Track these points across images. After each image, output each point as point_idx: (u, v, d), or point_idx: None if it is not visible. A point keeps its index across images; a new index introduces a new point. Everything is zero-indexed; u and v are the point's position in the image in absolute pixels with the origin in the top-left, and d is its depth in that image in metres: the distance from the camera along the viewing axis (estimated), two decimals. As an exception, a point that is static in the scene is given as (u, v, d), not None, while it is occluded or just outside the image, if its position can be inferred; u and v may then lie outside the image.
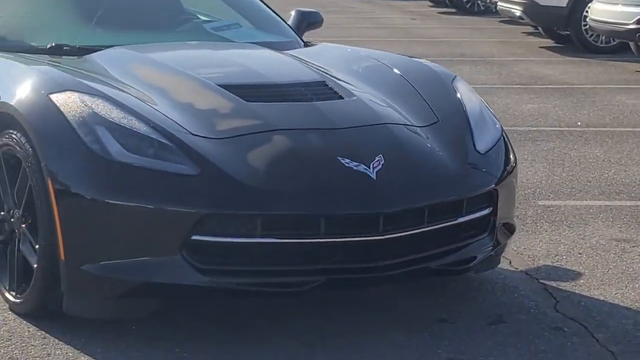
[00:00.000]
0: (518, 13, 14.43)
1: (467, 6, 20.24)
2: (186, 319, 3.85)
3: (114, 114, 3.69)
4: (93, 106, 3.72)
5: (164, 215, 3.51)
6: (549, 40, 14.90)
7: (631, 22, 11.52)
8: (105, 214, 3.54)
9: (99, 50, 4.58)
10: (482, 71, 11.76)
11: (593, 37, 13.55)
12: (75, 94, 3.78)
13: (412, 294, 4.11)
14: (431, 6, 22.60)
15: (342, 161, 3.66)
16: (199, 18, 5.58)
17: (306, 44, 5.33)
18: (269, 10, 5.65)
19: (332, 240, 3.64)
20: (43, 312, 3.78)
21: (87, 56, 4.54)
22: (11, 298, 3.87)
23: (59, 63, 4.45)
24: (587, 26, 13.07)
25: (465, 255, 3.89)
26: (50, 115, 3.72)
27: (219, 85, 4.11)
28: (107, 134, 3.61)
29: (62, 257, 3.56)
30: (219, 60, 4.85)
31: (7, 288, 3.91)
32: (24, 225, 3.81)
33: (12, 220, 3.91)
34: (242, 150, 3.71)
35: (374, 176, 3.64)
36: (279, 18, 5.56)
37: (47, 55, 4.57)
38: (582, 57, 13.15)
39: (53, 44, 4.67)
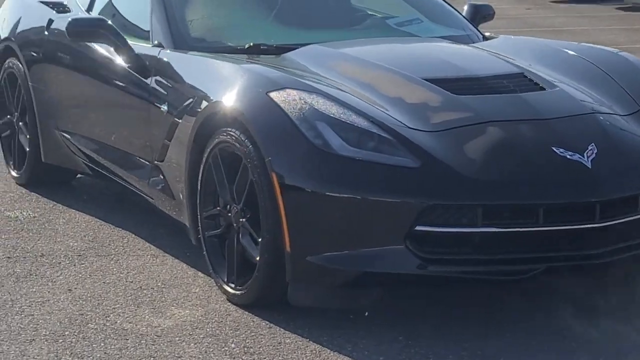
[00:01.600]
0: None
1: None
2: (406, 308, 3.89)
3: (333, 110, 3.76)
4: (312, 102, 3.79)
5: (387, 206, 3.57)
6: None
7: None
8: (329, 207, 3.61)
9: (294, 48, 4.63)
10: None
11: None
12: (294, 92, 3.86)
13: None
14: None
15: (557, 151, 3.69)
16: (376, 14, 5.60)
17: (485, 37, 5.30)
18: (444, 3, 5.65)
19: (551, 229, 3.65)
20: (264, 302, 3.87)
21: (285, 55, 4.60)
22: (231, 290, 3.97)
23: (260, 61, 4.53)
24: None
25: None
26: (272, 112, 3.80)
27: (424, 79, 4.14)
28: (328, 129, 3.68)
29: (288, 248, 3.63)
30: (416, 54, 4.88)
31: (226, 280, 4.01)
32: (244, 219, 3.89)
33: (230, 214, 3.98)
34: (459, 142, 3.76)
35: (589, 165, 3.67)
36: (455, 11, 5.54)
37: (244, 55, 4.64)
38: None
39: (251, 44, 4.75)
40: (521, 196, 3.65)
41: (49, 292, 4.23)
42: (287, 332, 3.68)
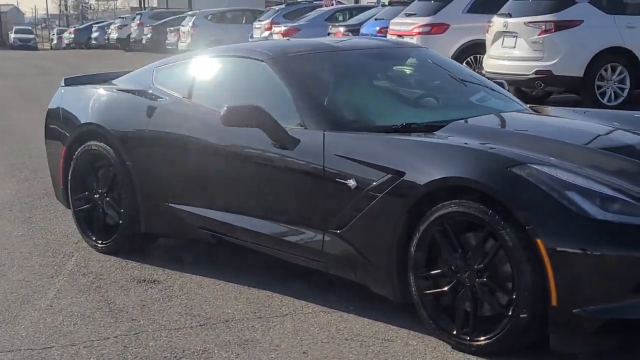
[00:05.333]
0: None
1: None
2: None
3: (578, 180, 4.07)
4: (556, 174, 4.08)
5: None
6: None
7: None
8: (591, 265, 3.87)
9: (438, 126, 4.91)
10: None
11: None
12: (534, 166, 4.12)
13: None
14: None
15: None
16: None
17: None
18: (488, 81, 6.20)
19: None
20: (510, 351, 4.10)
21: (437, 132, 4.83)
22: (470, 342, 4.18)
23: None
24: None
25: None
26: (519, 185, 4.04)
27: (601, 149, 4.59)
28: (579, 197, 3.96)
29: (554, 303, 3.89)
30: (561, 126, 5.25)
31: (456, 333, 4.23)
32: (481, 279, 4.15)
33: (459, 275, 4.22)
34: None
35: None
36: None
37: (396, 133, 4.87)
38: None
39: (404, 123, 5.00)
40: None
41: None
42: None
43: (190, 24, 33.19)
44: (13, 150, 11.27)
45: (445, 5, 16.85)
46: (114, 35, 47.95)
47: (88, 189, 6.22)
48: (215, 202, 5.47)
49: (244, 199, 5.32)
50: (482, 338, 4.16)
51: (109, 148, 5.95)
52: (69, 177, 6.29)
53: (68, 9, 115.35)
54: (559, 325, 3.96)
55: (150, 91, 6.08)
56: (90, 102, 6.36)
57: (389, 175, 4.49)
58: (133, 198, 5.85)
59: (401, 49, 6.14)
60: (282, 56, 5.55)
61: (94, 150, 6.09)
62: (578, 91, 13.55)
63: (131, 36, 43.54)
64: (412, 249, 4.38)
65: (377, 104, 5.51)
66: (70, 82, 6.78)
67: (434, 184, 4.29)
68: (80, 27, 63.55)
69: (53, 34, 71.38)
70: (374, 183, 4.54)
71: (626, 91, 13.45)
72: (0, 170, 9.74)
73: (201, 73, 5.94)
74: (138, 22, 43.11)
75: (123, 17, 52.56)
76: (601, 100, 13.23)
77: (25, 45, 63.74)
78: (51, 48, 64.15)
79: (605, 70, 13.44)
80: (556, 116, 5.51)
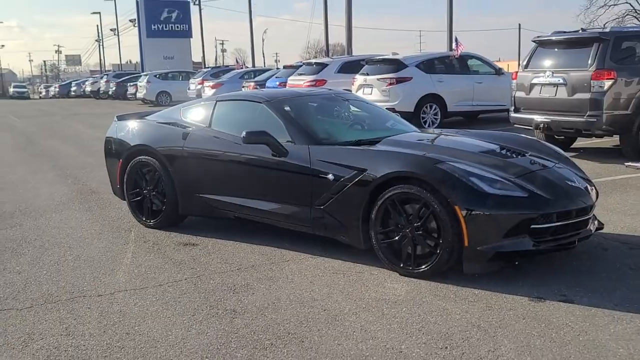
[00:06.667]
0: None
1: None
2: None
3: (475, 170, 4.29)
4: (463, 167, 4.29)
5: (517, 217, 4.10)
6: None
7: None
8: (489, 221, 4.07)
9: (377, 141, 5.02)
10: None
11: None
12: (450, 162, 4.32)
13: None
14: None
15: (569, 183, 4.54)
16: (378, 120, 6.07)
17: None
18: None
19: (579, 220, 4.39)
20: (439, 273, 4.34)
21: (377, 144, 4.91)
22: (405, 270, 4.34)
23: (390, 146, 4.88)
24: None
25: None
26: (442, 174, 4.22)
27: (482, 152, 4.84)
28: (477, 179, 4.19)
29: (466, 244, 4.10)
30: (449, 139, 5.34)
31: (402, 266, 4.41)
32: (419, 232, 4.32)
33: (404, 230, 4.35)
34: (531, 182, 4.36)
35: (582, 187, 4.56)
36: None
37: (354, 146, 4.91)
38: None
39: (356, 140, 5.11)
40: (568, 204, 4.32)
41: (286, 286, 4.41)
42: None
43: (145, 80, 32.43)
44: (54, 166, 10.87)
45: (323, 68, 17.23)
46: (88, 88, 46.15)
47: (138, 186, 6.16)
48: (233, 192, 5.45)
49: (253, 189, 5.31)
50: (421, 267, 4.35)
51: (154, 160, 5.93)
52: (125, 179, 6.21)
53: (46, 71, 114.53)
54: (468, 257, 4.18)
55: (181, 123, 6.04)
56: (138, 130, 6.30)
57: (356, 171, 4.60)
58: (173, 192, 5.85)
59: (340, 94, 6.28)
60: (274, 99, 5.57)
61: (143, 161, 6.03)
62: (411, 120, 13.98)
63: (101, 89, 42.25)
64: (372, 216, 4.51)
65: (335, 128, 5.58)
66: (120, 118, 6.63)
67: (387, 176, 4.40)
68: (63, 83, 60.48)
69: (41, 88, 67.64)
70: (346, 176, 4.64)
71: (438, 120, 14.22)
72: (52, 179, 9.41)
73: (217, 111, 5.87)
74: (105, 79, 42.01)
75: (94, 77, 50.77)
76: (424, 126, 13.73)
77: (21, 96, 60.58)
78: (40, 98, 60.70)
79: (426, 107, 14.11)
80: (444, 134, 5.68)
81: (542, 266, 4.53)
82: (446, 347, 3.28)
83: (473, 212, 4.09)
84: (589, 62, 8.99)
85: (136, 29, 53.49)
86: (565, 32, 9.93)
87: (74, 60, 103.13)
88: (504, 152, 5.02)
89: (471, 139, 5.33)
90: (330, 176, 4.74)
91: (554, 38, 9.78)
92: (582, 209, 4.47)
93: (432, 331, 3.49)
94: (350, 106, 6.12)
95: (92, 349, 3.42)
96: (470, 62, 15.28)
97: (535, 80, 9.74)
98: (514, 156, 4.92)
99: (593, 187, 4.81)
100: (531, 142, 5.47)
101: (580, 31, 9.68)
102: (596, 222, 4.86)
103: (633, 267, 4.49)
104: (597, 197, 4.78)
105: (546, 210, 4.24)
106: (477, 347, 3.27)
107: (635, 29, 10.21)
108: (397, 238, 4.45)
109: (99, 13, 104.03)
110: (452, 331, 3.48)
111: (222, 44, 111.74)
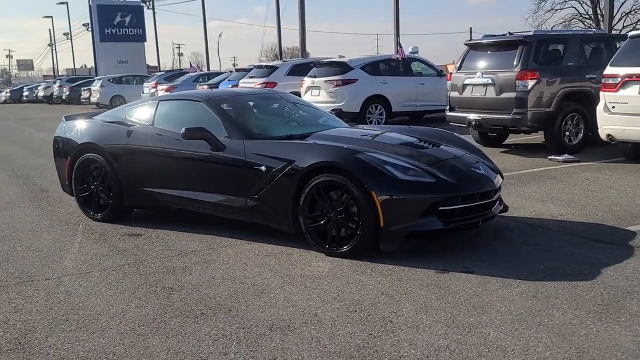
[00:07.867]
0: None
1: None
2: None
3: (390, 159, 4.69)
4: (379, 157, 4.69)
5: (427, 200, 4.54)
6: None
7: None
8: (401, 204, 4.47)
9: (305, 136, 5.38)
10: None
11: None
12: (367, 153, 4.71)
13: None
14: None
15: (475, 170, 5.01)
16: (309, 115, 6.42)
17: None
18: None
19: (484, 202, 4.88)
20: (362, 251, 4.74)
21: (307, 139, 5.25)
22: (329, 250, 4.75)
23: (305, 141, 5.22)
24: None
25: None
26: (360, 163, 4.61)
27: (399, 144, 5.27)
28: (392, 167, 4.60)
29: (382, 225, 4.50)
30: (374, 133, 5.71)
31: (328, 247, 4.81)
32: (341, 215, 4.73)
33: (328, 214, 4.74)
34: (439, 169, 4.80)
35: (483, 172, 5.07)
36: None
37: (286, 140, 5.26)
38: None
39: (287, 134, 5.48)
40: (473, 189, 4.78)
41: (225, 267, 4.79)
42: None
43: (99, 85, 32.24)
44: (5, 168, 10.98)
45: (274, 71, 17.68)
46: (41, 93, 45.40)
47: (86, 182, 6.44)
48: (175, 185, 5.75)
49: (194, 182, 5.60)
50: (343, 247, 4.73)
51: (101, 157, 6.23)
52: (73, 176, 6.48)
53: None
54: (385, 237, 4.57)
55: (126, 122, 6.33)
56: (85, 129, 6.58)
57: (285, 163, 4.96)
58: (119, 186, 6.16)
59: (275, 93, 6.63)
60: (212, 99, 5.91)
61: (90, 158, 6.31)
62: (357, 120, 14.36)
63: (54, 94, 41.45)
64: (301, 202, 4.86)
65: (269, 125, 5.92)
66: (68, 118, 6.87)
67: (312, 166, 4.76)
68: (14, 88, 59.23)
69: (-9, 94, 66.05)
70: (277, 167, 4.99)
71: (383, 120, 14.79)
72: (3, 179, 9.56)
73: (159, 110, 6.15)
74: (59, 84, 41.33)
75: (47, 81, 49.97)
76: (369, 126, 14.31)
77: (-29, 102, 59.00)
78: (-10, 103, 59.41)
79: (372, 108, 14.66)
80: (370, 129, 6.11)
81: (451, 245, 5.03)
82: (356, 311, 3.73)
83: (388, 197, 4.50)
84: (514, 63, 9.65)
85: (90, 33, 52.90)
86: (494, 35, 10.58)
87: (26, 65, 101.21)
88: (420, 143, 5.47)
89: (394, 133, 5.77)
90: (263, 168, 5.08)
91: (484, 41, 10.42)
92: (485, 193, 4.94)
93: (346, 299, 3.94)
94: (286, 105, 6.51)
95: (38, 322, 3.77)
96: (413, 64, 15.90)
97: (467, 81, 10.35)
98: (429, 147, 5.36)
99: (498, 174, 5.34)
100: (449, 135, 5.96)
101: (508, 35, 10.34)
102: (502, 206, 5.39)
103: (531, 243, 5.04)
104: (501, 183, 5.31)
105: (452, 194, 4.69)
106: (382, 310, 3.73)
107: (556, 33, 10.95)
108: (322, 222, 4.83)
109: (51, 17, 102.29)
110: (363, 298, 3.94)
111: (179, 47, 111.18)
